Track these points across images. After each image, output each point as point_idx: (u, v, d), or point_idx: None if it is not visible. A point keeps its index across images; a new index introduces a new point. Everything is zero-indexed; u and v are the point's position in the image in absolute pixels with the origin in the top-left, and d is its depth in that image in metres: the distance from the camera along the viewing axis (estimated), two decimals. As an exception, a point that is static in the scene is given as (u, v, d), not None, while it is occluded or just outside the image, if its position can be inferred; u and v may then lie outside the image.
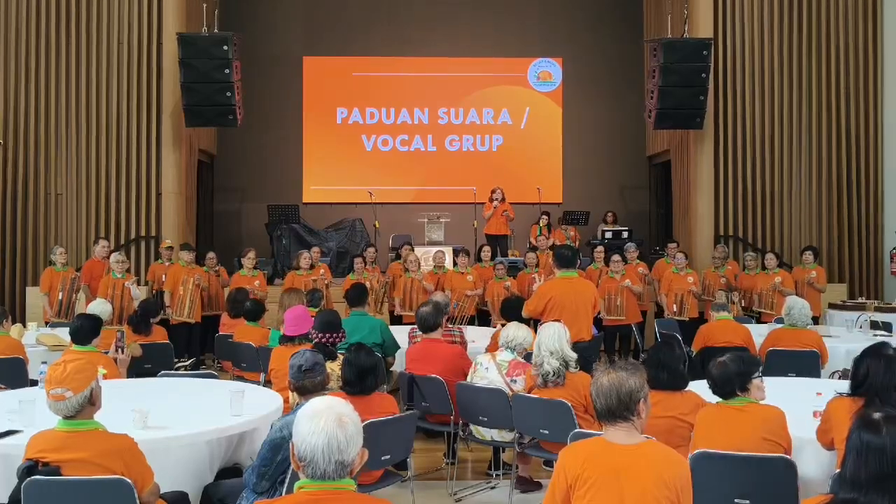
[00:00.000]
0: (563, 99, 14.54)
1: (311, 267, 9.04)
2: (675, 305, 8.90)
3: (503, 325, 5.30)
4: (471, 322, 8.75)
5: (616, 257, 9.09)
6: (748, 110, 11.30)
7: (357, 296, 6.36)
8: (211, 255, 9.39)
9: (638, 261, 9.79)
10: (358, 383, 3.92)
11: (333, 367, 4.29)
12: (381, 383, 4.11)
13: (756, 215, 11.30)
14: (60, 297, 8.41)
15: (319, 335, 4.78)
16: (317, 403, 2.14)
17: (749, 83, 11.30)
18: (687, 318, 8.78)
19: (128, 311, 7.75)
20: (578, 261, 7.42)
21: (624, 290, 8.78)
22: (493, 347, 5.62)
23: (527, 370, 4.77)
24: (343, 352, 4.33)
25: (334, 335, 4.85)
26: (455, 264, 9.65)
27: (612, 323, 8.81)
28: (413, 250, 9.77)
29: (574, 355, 4.52)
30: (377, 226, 12.02)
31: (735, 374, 3.55)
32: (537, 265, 9.61)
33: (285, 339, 5.08)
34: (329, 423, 2.07)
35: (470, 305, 8.95)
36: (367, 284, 8.05)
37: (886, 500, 2.06)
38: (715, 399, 3.70)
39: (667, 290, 9.12)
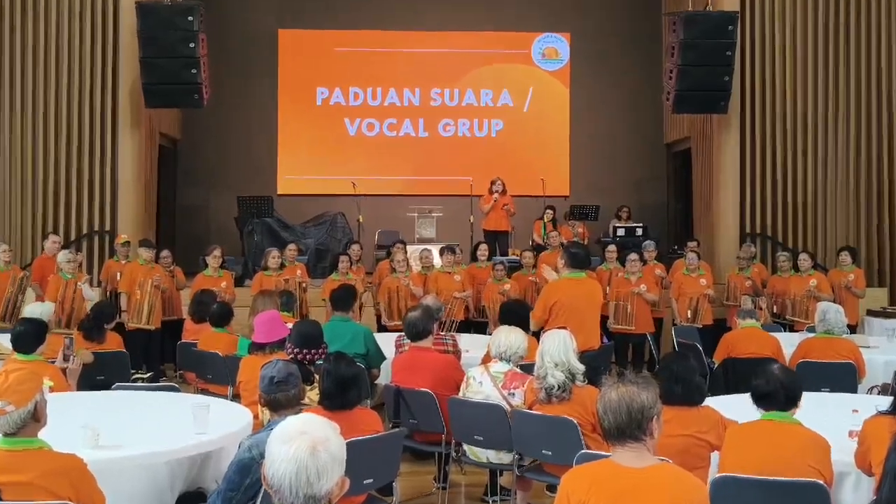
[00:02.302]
0: (571, 79, 14.56)
1: (282, 266, 9.02)
2: (688, 311, 8.92)
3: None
4: (461, 328, 8.74)
5: (633, 256, 9.09)
6: (779, 92, 11.31)
7: (344, 298, 6.34)
8: (165, 253, 9.34)
9: (656, 261, 9.79)
10: (338, 396, 3.91)
11: (311, 397, 4.26)
12: (364, 397, 4.11)
13: (787, 211, 11.33)
14: (8, 299, 8.36)
15: (295, 350, 4.71)
16: (291, 425, 2.12)
17: (780, 62, 11.31)
18: (700, 325, 8.80)
19: (79, 314, 7.72)
20: (590, 260, 7.42)
21: (636, 297, 8.79)
22: (488, 358, 5.62)
23: (526, 382, 4.77)
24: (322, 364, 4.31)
25: (313, 351, 4.76)
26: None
27: (622, 331, 8.82)
28: (405, 248, 9.76)
29: (581, 367, 4.52)
30: (361, 221, 12.02)
31: (800, 385, 3.56)
32: (535, 266, 9.61)
33: (256, 348, 5.06)
34: (300, 450, 2.04)
35: (458, 309, 8.94)
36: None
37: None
38: (738, 417, 3.71)
39: (678, 294, 9.14)
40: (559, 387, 4.42)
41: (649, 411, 2.61)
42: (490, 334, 8.21)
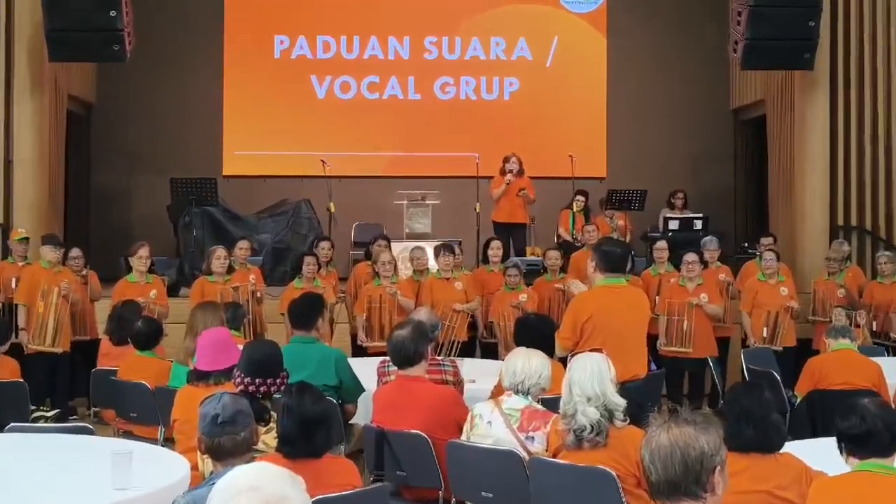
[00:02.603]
0: (609, 24, 14.54)
1: (231, 270, 9.01)
2: (764, 328, 8.91)
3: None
4: (465, 351, 8.72)
5: (692, 257, 9.08)
6: (881, 41, 11.29)
7: (305, 312, 6.32)
8: (76, 252, 9.32)
9: (719, 263, 9.78)
10: (302, 441, 3.91)
11: (267, 441, 4.25)
12: (335, 441, 4.12)
13: (892, 198, 11.32)
14: None
15: (246, 380, 4.71)
16: (239, 479, 2.11)
17: (883, 1, 11.30)
18: (781, 347, 8.80)
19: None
20: (631, 262, 7.41)
21: (694, 310, 8.78)
22: (500, 390, 5.61)
23: (550, 422, 4.76)
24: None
25: (269, 381, 4.74)
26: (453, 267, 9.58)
27: (676, 355, 8.82)
28: (389, 247, 9.74)
29: (622, 402, 4.50)
30: (332, 210, 12.00)
31: None
32: (563, 269, 9.59)
33: (197, 377, 5.06)
34: None
35: (461, 326, 8.92)
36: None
37: None
38: (828, 467, 3.70)
39: (751, 307, 9.13)
40: (592, 428, 4.40)
41: (710, 460, 2.61)
42: (503, 359, 8.24)
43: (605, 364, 4.55)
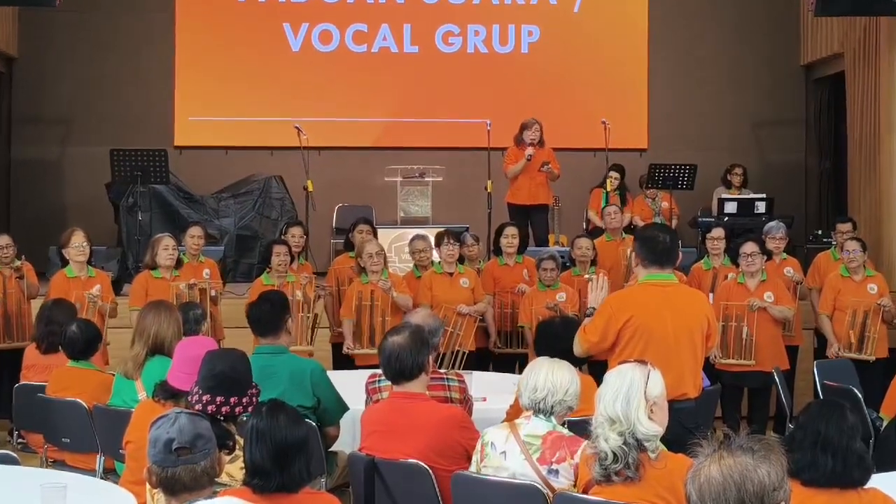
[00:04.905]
0: (651, -40, 14.55)
1: (179, 263, 8.99)
2: (851, 332, 8.88)
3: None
4: (473, 363, 8.71)
5: (750, 247, 9.02)
6: None
7: (270, 316, 6.34)
8: (5, 240, 9.33)
9: (786, 255, 9.76)
10: (276, 472, 3.93)
11: (232, 472, 4.28)
12: (315, 474, 4.12)
13: None
14: None
15: (205, 398, 4.72)
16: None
17: None
18: (871, 358, 8.78)
19: None
20: (679, 254, 7.42)
21: (757, 313, 8.78)
22: (514, 412, 5.61)
23: (578, 451, 4.73)
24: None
25: (234, 400, 4.76)
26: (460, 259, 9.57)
27: (735, 369, 8.81)
28: (375, 233, 9.72)
29: (652, 429, 4.39)
30: (310, 189, 12.00)
31: None
32: (595, 261, 9.57)
33: (166, 395, 5.07)
34: None
35: (468, 332, 8.89)
36: (295, 294, 8.00)
37: None
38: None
39: (831, 308, 9.10)
40: (616, 458, 4.37)
41: (772, 496, 2.61)
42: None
43: (642, 381, 4.45)
